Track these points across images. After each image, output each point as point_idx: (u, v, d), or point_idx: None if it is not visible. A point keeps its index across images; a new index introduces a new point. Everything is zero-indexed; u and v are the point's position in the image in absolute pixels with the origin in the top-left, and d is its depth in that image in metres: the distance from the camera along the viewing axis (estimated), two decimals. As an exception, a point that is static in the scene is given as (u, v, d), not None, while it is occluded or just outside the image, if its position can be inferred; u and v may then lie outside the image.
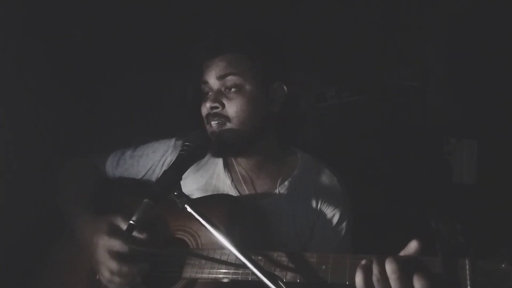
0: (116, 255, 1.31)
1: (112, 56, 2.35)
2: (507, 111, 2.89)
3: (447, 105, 3.16)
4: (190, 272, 1.28)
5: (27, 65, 1.92)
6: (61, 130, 2.07)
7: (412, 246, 1.08)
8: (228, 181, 1.58)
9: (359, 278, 1.06)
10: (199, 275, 1.26)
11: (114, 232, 1.34)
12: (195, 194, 1.55)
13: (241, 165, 1.60)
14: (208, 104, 1.48)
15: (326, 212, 1.53)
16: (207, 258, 1.27)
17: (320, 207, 1.54)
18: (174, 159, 1.31)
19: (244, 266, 1.12)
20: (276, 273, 1.16)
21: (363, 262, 1.08)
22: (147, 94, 2.60)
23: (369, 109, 3.19)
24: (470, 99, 3.08)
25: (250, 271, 1.12)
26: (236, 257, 1.13)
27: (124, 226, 1.33)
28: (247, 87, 1.48)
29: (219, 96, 1.48)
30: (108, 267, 1.31)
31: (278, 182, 1.56)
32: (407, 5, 3.11)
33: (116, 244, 1.31)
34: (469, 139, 3.15)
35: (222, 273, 1.24)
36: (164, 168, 1.60)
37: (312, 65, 2.65)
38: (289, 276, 1.16)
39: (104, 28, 2.33)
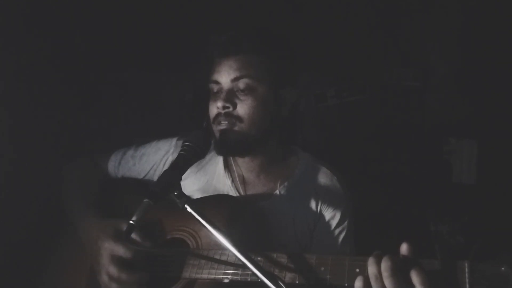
0: (117, 261, 1.30)
1: (113, 56, 2.35)
2: (507, 111, 2.89)
3: (447, 105, 3.16)
4: (189, 272, 1.28)
5: (27, 65, 1.92)
6: (61, 129, 2.08)
7: (403, 249, 1.07)
8: (228, 182, 1.57)
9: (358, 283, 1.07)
10: (198, 275, 1.26)
11: (120, 237, 1.32)
12: (196, 195, 1.54)
13: (242, 166, 1.59)
14: (220, 104, 1.45)
15: (326, 213, 1.52)
16: (207, 258, 1.27)
17: (320, 208, 1.52)
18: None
19: (243, 266, 1.13)
20: (275, 274, 1.15)
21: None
22: (147, 94, 2.61)
23: (369, 109, 3.19)
24: (470, 99, 3.08)
25: (249, 272, 1.12)
26: (236, 258, 1.13)
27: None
28: (260, 89, 1.47)
29: (231, 96, 1.46)
30: (107, 272, 1.30)
31: (279, 182, 1.55)
32: (407, 5, 3.11)
33: (120, 250, 1.30)
34: (469, 139, 3.15)
35: (222, 273, 1.24)
36: (166, 168, 1.59)
37: (312, 65, 2.65)
38: (288, 277, 1.16)
39: (105, 28, 2.34)
